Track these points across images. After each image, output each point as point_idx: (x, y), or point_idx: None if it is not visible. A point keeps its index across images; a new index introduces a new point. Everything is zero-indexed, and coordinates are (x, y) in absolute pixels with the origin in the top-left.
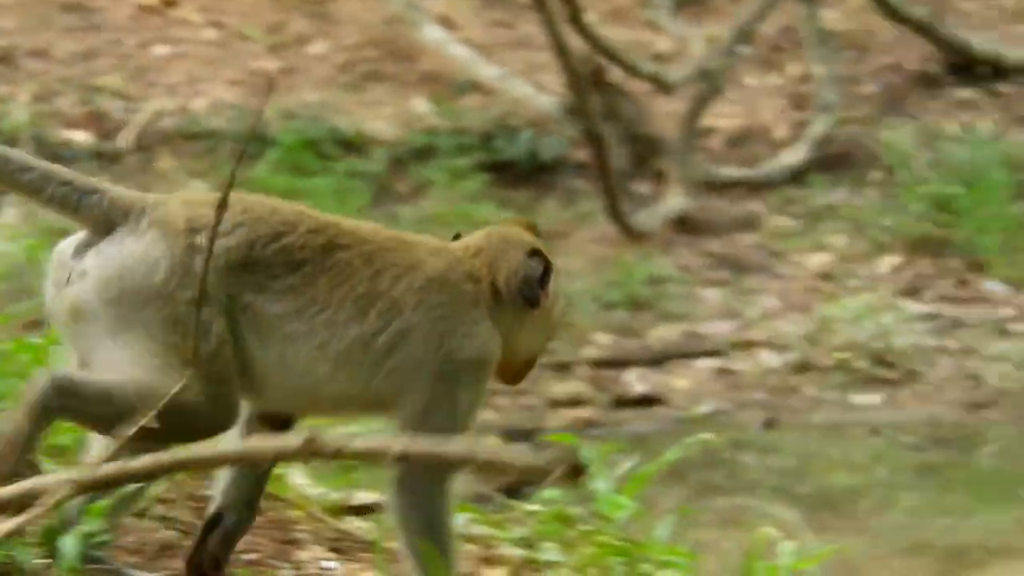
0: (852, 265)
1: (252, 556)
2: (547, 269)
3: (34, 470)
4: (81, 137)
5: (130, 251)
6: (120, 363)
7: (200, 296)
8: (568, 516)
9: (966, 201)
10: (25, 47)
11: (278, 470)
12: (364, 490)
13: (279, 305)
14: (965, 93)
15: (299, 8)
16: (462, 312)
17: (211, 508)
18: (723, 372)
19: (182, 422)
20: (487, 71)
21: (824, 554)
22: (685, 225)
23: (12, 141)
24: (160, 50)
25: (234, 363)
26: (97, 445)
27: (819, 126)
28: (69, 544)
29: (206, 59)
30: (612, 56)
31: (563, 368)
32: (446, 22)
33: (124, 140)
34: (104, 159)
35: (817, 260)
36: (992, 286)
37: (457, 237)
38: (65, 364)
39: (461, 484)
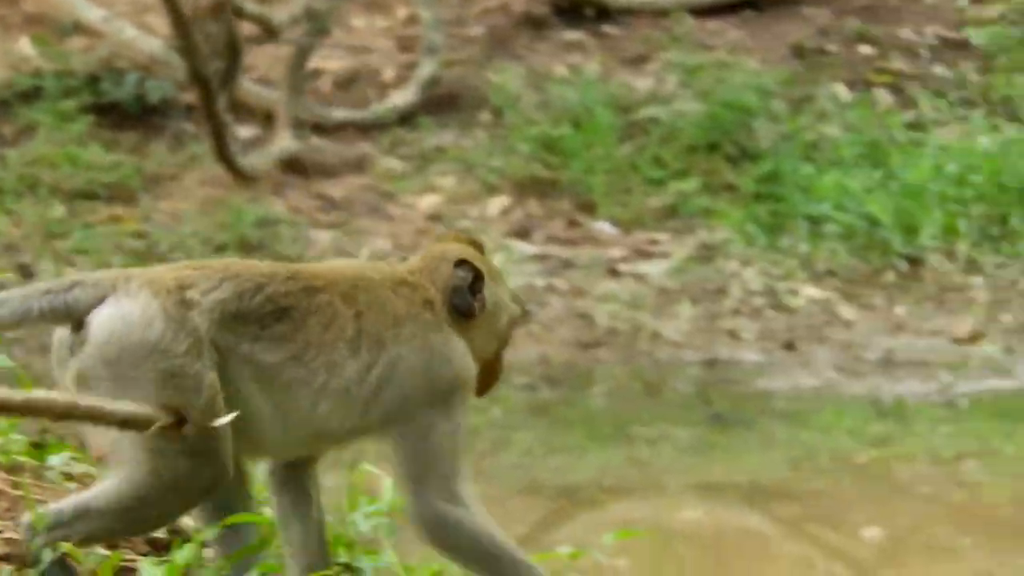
0: (462, 206)
1: None
2: (476, 277)
3: None
4: None
5: (126, 311)
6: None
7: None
8: None
9: (574, 142)
10: None
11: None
12: None
13: (275, 353)
14: (572, 35)
15: None
16: (432, 338)
17: None
18: None
19: (175, 480)
20: (92, 13)
21: None
22: (295, 167)
23: None
24: None
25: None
26: None
27: (426, 68)
28: None
29: None
30: None
31: None
32: None
33: None
34: None
35: (427, 202)
36: (601, 226)
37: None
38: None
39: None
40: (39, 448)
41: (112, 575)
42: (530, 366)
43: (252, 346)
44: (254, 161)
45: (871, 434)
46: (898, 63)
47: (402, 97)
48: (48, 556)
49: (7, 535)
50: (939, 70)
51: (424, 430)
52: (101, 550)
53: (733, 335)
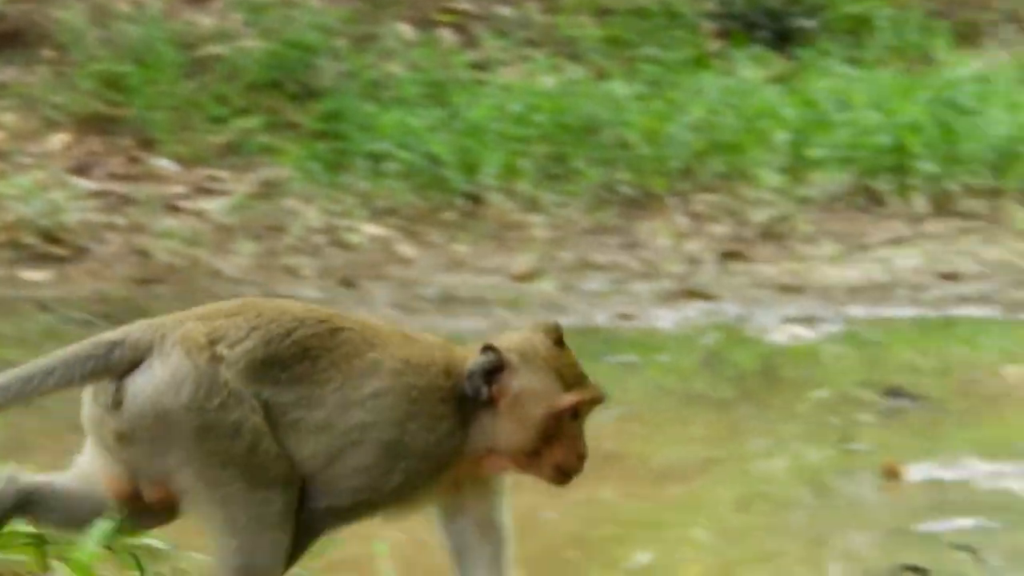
0: (23, 143)
1: None
2: (500, 365)
3: None
4: None
5: (160, 377)
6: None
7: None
8: None
9: (137, 79)
10: None
11: None
12: None
13: (289, 394)
14: None
15: None
16: (431, 402)
17: None
18: None
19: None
20: None
21: None
22: None
23: None
24: None
25: (277, 454)
26: None
27: None
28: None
29: None
30: None
31: None
32: None
33: None
34: None
35: None
36: (162, 163)
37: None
38: None
39: None
40: None
41: None
42: (88, 303)
43: (273, 389)
44: None
45: None
46: (464, 3)
47: None
48: None
49: None
50: (504, 10)
51: (363, 460)
52: None
53: (292, 272)
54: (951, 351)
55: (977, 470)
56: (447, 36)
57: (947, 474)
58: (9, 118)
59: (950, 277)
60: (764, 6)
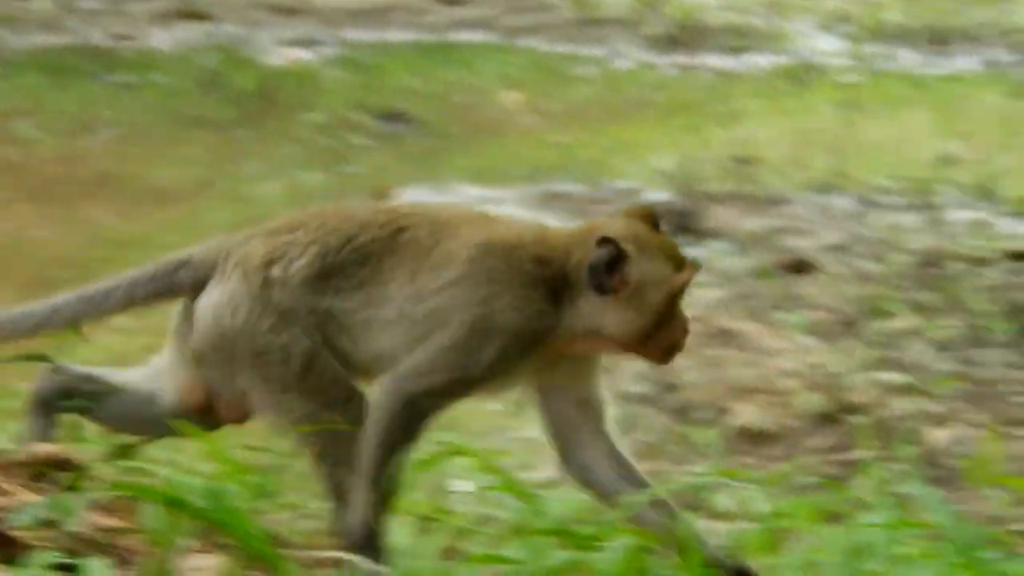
0: None
1: None
2: (619, 256)
3: None
4: None
5: (219, 300)
6: (266, 400)
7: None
8: None
9: None
10: None
11: None
12: None
13: (352, 299)
14: None
15: None
16: (515, 284)
17: None
18: None
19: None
20: None
21: None
22: None
23: None
24: None
25: (334, 376)
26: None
27: None
28: None
29: None
30: None
31: None
32: None
33: None
34: None
35: None
36: None
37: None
38: None
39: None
40: None
41: None
42: None
43: (335, 298)
44: None
45: None
46: None
47: None
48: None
49: None
50: None
51: (450, 341)
52: None
53: None
54: (449, 76)
55: (469, 195)
56: None
57: (440, 198)
58: None
59: (451, 2)
60: None
